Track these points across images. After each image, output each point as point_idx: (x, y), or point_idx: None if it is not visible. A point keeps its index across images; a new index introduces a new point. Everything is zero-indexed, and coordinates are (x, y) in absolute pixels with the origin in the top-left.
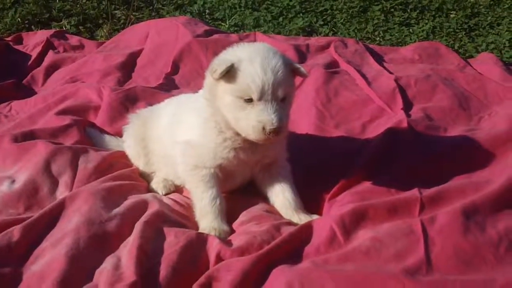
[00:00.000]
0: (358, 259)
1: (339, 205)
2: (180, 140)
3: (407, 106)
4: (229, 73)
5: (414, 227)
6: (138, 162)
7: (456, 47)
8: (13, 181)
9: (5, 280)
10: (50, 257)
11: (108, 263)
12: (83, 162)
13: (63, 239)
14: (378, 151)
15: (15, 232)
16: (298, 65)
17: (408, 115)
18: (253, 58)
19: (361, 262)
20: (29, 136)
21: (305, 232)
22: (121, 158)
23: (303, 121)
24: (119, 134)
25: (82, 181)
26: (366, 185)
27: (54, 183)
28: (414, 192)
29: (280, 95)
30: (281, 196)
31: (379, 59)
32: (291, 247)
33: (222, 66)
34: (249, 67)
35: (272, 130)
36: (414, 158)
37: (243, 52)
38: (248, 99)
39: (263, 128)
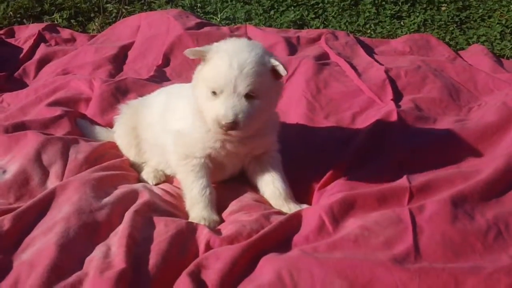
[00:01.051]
0: (347, 247)
1: (328, 194)
2: (172, 129)
3: (397, 97)
4: (206, 62)
5: (403, 216)
6: (129, 152)
7: (447, 40)
8: (4, 171)
9: None
10: (40, 245)
11: (98, 251)
12: (74, 153)
13: (53, 228)
14: (367, 141)
15: (6, 221)
16: (277, 63)
17: (398, 106)
18: (225, 51)
19: (350, 250)
20: (20, 127)
21: (294, 221)
22: (112, 149)
23: (293, 112)
24: (110, 125)
25: (72, 171)
26: (355, 174)
27: (45, 173)
28: (403, 181)
29: (244, 90)
30: (271, 185)
31: (369, 51)
32: (280, 236)
33: (198, 49)
34: (218, 59)
35: (226, 125)
36: (403, 148)
37: (224, 45)
38: (214, 91)
39: (219, 122)
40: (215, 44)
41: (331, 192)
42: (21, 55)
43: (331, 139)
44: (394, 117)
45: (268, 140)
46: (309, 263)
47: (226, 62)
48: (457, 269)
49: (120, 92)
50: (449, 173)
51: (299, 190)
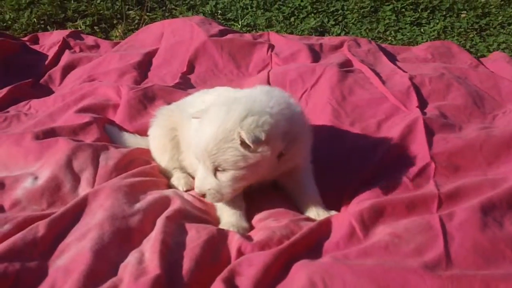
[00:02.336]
0: (378, 254)
1: (357, 201)
2: None
3: (422, 104)
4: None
5: (433, 223)
6: (163, 155)
7: (467, 47)
8: (36, 178)
9: (32, 274)
10: (75, 251)
11: (132, 257)
12: (104, 159)
13: (87, 234)
14: (393, 148)
15: (40, 227)
16: (245, 136)
17: (424, 113)
18: (204, 121)
19: (381, 257)
20: (50, 133)
21: (324, 227)
22: (141, 155)
23: (318, 119)
24: (138, 132)
25: (103, 177)
26: (383, 182)
27: (76, 180)
28: (432, 188)
29: (210, 166)
30: (300, 192)
31: (392, 58)
32: (311, 242)
33: (199, 112)
34: (200, 128)
35: (198, 195)
36: (430, 156)
37: (213, 108)
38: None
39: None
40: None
41: (360, 199)
42: (47, 62)
43: (357, 146)
44: (420, 124)
45: (300, 156)
46: (341, 269)
47: (200, 136)
48: (489, 276)
49: (147, 99)
50: (477, 180)
51: (327, 197)
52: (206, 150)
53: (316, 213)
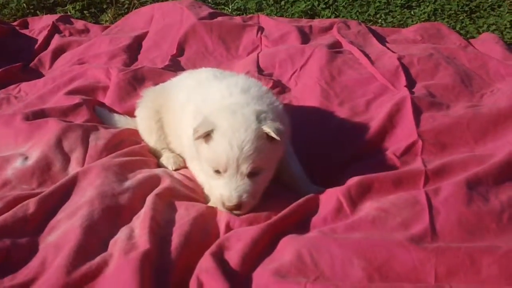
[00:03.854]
0: (365, 228)
1: (345, 178)
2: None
3: (410, 83)
4: (208, 137)
5: (419, 198)
6: (150, 136)
7: (457, 29)
8: (26, 158)
9: (23, 250)
10: (65, 228)
11: (121, 234)
12: (94, 139)
13: (77, 211)
14: (381, 126)
15: (30, 204)
16: (269, 129)
17: (412, 92)
18: (225, 129)
19: (368, 231)
20: (40, 114)
21: (312, 202)
22: (131, 135)
23: (307, 99)
24: (128, 113)
25: (93, 157)
26: (371, 159)
27: (66, 160)
28: (419, 165)
29: (246, 170)
30: (287, 170)
31: (381, 40)
32: (299, 217)
33: (203, 129)
34: (219, 138)
35: (230, 207)
36: (418, 134)
37: (223, 118)
38: (217, 170)
39: (223, 203)
40: (214, 114)
41: (347, 176)
42: (36, 46)
43: (345, 124)
44: (407, 103)
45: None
46: (329, 243)
47: (227, 144)
48: (473, 248)
49: (137, 81)
50: (464, 157)
51: (316, 174)
52: (242, 153)
53: (305, 190)
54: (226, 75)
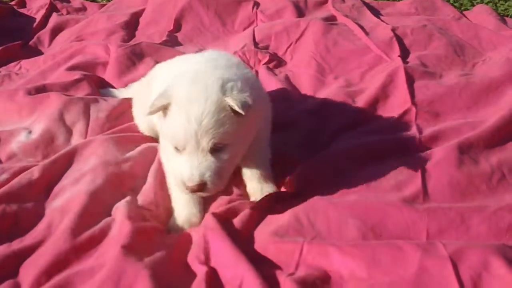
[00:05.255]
0: (360, 191)
1: (339, 145)
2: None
3: (404, 54)
4: (165, 115)
5: (412, 162)
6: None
7: (451, 1)
8: (30, 132)
9: (29, 214)
10: (70, 194)
11: (124, 200)
12: (95, 112)
13: (81, 178)
14: (375, 96)
15: (35, 171)
16: (233, 102)
17: (405, 62)
18: (182, 101)
19: (363, 194)
20: (41, 90)
21: (309, 171)
22: (131, 107)
23: (303, 74)
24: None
25: (95, 130)
26: (366, 125)
27: (69, 133)
28: (413, 131)
29: (207, 146)
30: (250, 164)
31: (376, 13)
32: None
33: (159, 102)
34: (177, 111)
35: (192, 187)
36: (411, 102)
37: (181, 88)
38: (177, 148)
39: (185, 184)
40: (174, 83)
41: (343, 142)
42: (35, 25)
43: (339, 94)
44: (401, 73)
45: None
46: (325, 205)
47: (183, 117)
48: (463, 208)
49: (135, 56)
50: (457, 123)
51: (315, 139)
52: (201, 127)
53: (259, 190)
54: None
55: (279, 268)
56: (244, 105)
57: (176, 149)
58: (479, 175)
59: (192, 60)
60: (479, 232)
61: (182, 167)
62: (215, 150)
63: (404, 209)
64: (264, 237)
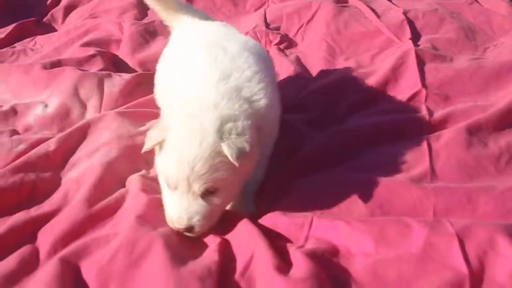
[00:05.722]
0: (369, 171)
1: (349, 124)
2: None
3: (415, 37)
4: (161, 149)
5: (421, 143)
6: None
7: None
8: (46, 106)
9: (46, 184)
10: (85, 166)
11: (138, 172)
12: (109, 86)
13: (96, 151)
14: (385, 77)
15: (51, 143)
16: (228, 151)
17: (416, 45)
18: (176, 141)
19: (371, 172)
20: (56, 64)
21: (319, 148)
22: (144, 81)
23: (313, 56)
24: (140, 65)
25: (109, 104)
26: (377, 106)
27: (83, 107)
28: (422, 113)
29: (199, 190)
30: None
31: None
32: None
33: (156, 136)
34: (169, 152)
35: (180, 229)
36: (422, 84)
37: (177, 123)
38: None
39: (173, 224)
40: (167, 121)
41: (352, 123)
42: (48, 2)
43: (350, 76)
44: (412, 55)
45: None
46: (334, 183)
47: (176, 158)
48: (471, 188)
49: (149, 34)
50: (466, 106)
51: (325, 119)
52: (193, 172)
53: (238, 205)
54: (224, 43)
55: (289, 241)
56: (239, 155)
57: (168, 186)
58: (487, 156)
59: (206, 62)
60: (485, 212)
61: (172, 206)
62: (206, 193)
63: (412, 188)
64: (274, 212)
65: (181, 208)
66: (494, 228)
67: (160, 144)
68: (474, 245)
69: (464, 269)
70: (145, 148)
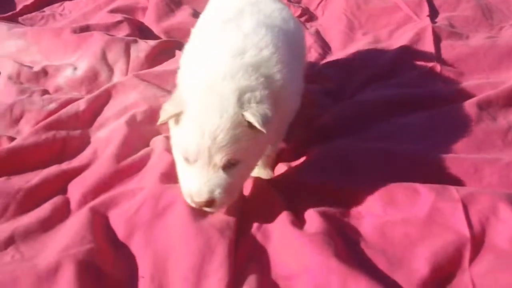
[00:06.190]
0: (382, 138)
1: (366, 96)
2: None
3: (433, 14)
4: (177, 124)
5: (434, 116)
6: None
7: None
8: (75, 68)
9: (76, 141)
10: (113, 125)
11: (163, 134)
12: (135, 51)
13: (123, 112)
14: (402, 52)
15: (81, 103)
16: (253, 118)
17: (434, 22)
18: (195, 113)
19: (386, 143)
20: (85, 29)
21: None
22: (168, 47)
23: (333, 30)
24: (164, 33)
25: (135, 69)
26: (393, 79)
27: (110, 70)
28: (437, 87)
29: (220, 162)
30: None
31: None
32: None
33: (172, 109)
34: (189, 123)
35: (199, 204)
36: (437, 59)
37: (195, 95)
38: (187, 158)
39: (192, 199)
40: (186, 94)
41: (368, 96)
42: None
43: (368, 50)
44: (429, 32)
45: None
46: (349, 149)
47: (197, 130)
48: (478, 159)
49: (174, 3)
50: (479, 82)
51: (342, 90)
52: (215, 143)
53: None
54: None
55: (302, 201)
56: (264, 121)
57: (186, 159)
58: (495, 131)
59: (220, 37)
60: (490, 182)
61: (190, 180)
62: (227, 165)
63: (423, 157)
64: (289, 174)
65: (200, 181)
66: (497, 196)
67: (177, 117)
68: (477, 210)
69: (466, 232)
70: (161, 120)
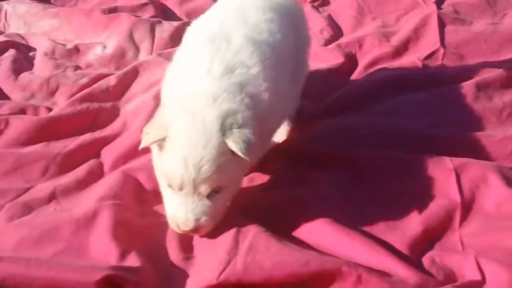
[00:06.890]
0: (389, 114)
1: (371, 76)
2: None
3: (439, 1)
4: (160, 150)
5: (435, 94)
6: None
7: None
8: (104, 47)
9: (107, 113)
10: (140, 99)
11: None
12: (159, 32)
13: (150, 88)
14: (408, 35)
15: (112, 78)
16: (235, 146)
17: (439, 8)
18: (179, 141)
19: (392, 117)
20: (113, 10)
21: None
22: None
23: (344, 14)
24: (187, 15)
25: (159, 48)
26: (397, 61)
27: (137, 49)
28: (439, 70)
29: (205, 191)
30: None
31: None
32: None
33: (154, 134)
34: (172, 151)
35: (186, 231)
36: (441, 43)
37: (178, 122)
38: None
39: (178, 227)
40: (168, 112)
41: (373, 76)
42: None
43: (374, 32)
44: (434, 17)
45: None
46: (357, 122)
47: (180, 161)
48: (473, 135)
49: None
50: (479, 66)
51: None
52: (200, 174)
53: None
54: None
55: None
56: (247, 148)
57: (170, 186)
58: (491, 109)
59: (209, 50)
60: (483, 155)
61: (175, 209)
62: (212, 192)
63: (424, 132)
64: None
65: (186, 210)
66: (488, 166)
67: (160, 142)
68: (469, 179)
69: (457, 198)
70: (143, 145)
